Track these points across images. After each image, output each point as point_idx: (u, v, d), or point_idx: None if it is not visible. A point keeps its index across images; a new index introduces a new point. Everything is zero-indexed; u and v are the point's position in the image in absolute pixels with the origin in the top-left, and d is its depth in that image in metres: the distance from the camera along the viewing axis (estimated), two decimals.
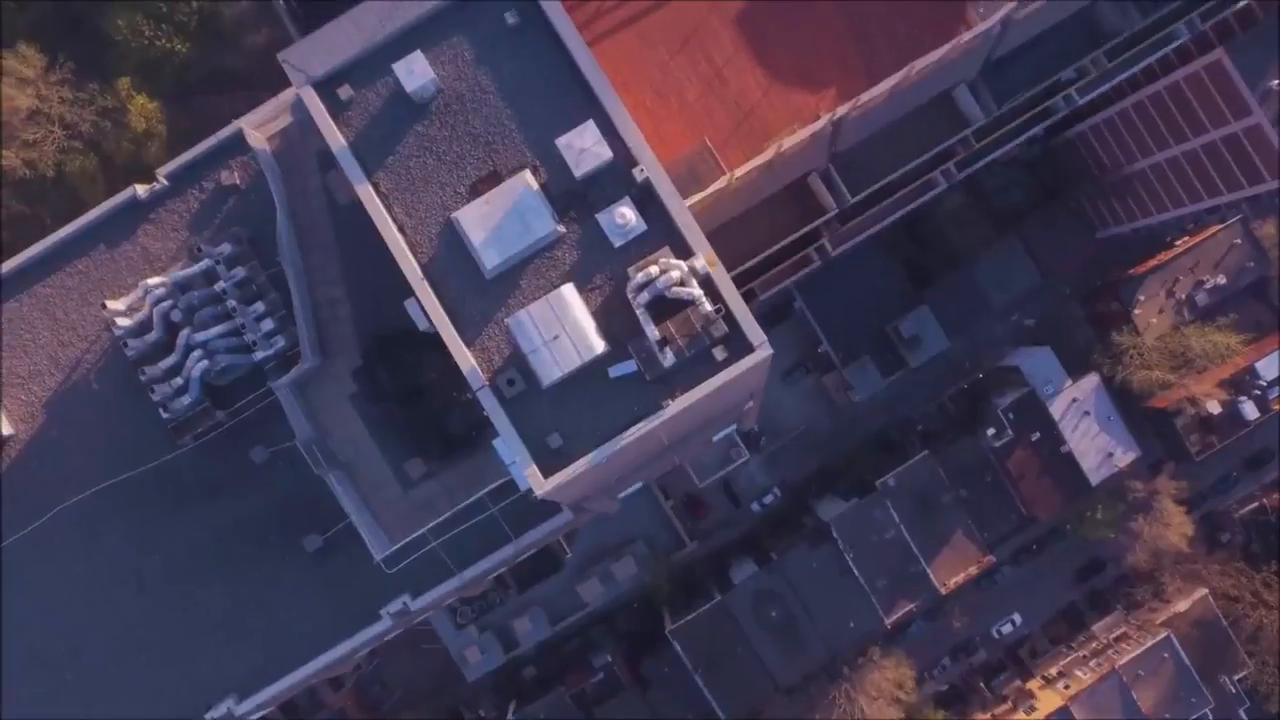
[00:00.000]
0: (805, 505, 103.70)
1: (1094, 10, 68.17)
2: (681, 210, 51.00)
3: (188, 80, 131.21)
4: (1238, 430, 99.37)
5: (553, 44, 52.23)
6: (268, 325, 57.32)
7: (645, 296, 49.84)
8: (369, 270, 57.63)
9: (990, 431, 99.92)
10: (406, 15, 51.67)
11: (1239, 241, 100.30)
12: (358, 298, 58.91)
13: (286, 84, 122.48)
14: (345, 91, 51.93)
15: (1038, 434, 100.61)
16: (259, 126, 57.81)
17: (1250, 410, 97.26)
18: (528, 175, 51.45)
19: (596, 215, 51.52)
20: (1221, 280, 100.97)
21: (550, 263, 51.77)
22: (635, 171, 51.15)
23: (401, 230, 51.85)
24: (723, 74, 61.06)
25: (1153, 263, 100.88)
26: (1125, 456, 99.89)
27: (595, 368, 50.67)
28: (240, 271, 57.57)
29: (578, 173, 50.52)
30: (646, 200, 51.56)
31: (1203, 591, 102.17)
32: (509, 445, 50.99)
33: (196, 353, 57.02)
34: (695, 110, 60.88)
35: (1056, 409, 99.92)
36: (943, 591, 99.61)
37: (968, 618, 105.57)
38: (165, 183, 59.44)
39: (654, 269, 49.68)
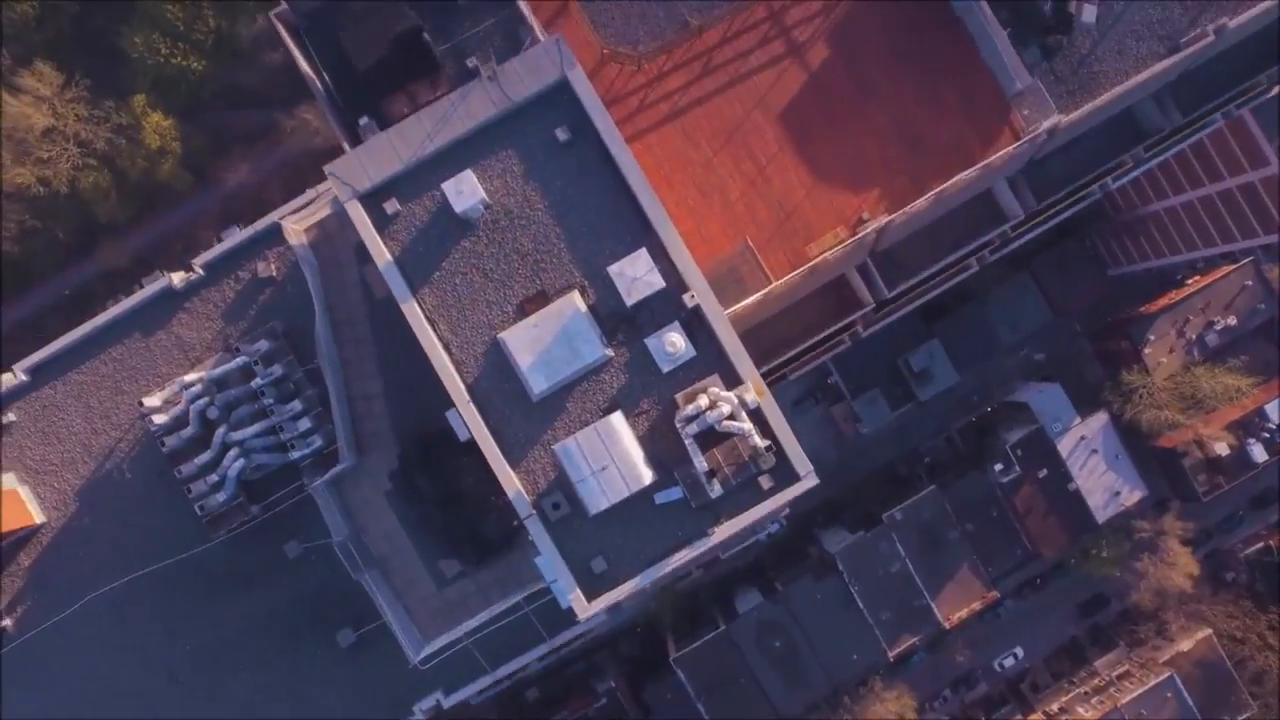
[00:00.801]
0: (811, 536, 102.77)
1: (1134, 107, 66.26)
2: (731, 338, 49.34)
3: (201, 96, 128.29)
4: (1246, 472, 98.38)
5: (604, 161, 50.26)
6: (304, 424, 55.52)
7: (694, 429, 48.25)
8: (405, 366, 56.04)
9: (998, 467, 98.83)
10: (455, 130, 49.44)
11: (1250, 283, 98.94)
12: (394, 393, 57.27)
13: (300, 102, 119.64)
14: (392, 205, 49.85)
15: (1045, 471, 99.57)
16: (298, 219, 55.26)
17: (1259, 453, 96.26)
18: (576, 297, 49.60)
19: (645, 339, 49.88)
20: (1232, 321, 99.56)
21: (597, 385, 50.09)
22: (686, 297, 49.26)
23: (447, 348, 50.01)
24: (766, 172, 59.00)
25: (1163, 301, 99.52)
26: (1132, 495, 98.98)
27: (641, 494, 48.96)
28: (277, 369, 55.68)
29: (629, 301, 48.76)
30: (696, 325, 49.83)
31: (1207, 632, 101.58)
32: (552, 566, 49.60)
33: (233, 452, 55.30)
34: (738, 209, 58.87)
35: (1064, 446, 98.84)
36: (946, 626, 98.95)
37: (970, 650, 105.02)
38: (201, 272, 57.30)
39: (703, 400, 48.07)
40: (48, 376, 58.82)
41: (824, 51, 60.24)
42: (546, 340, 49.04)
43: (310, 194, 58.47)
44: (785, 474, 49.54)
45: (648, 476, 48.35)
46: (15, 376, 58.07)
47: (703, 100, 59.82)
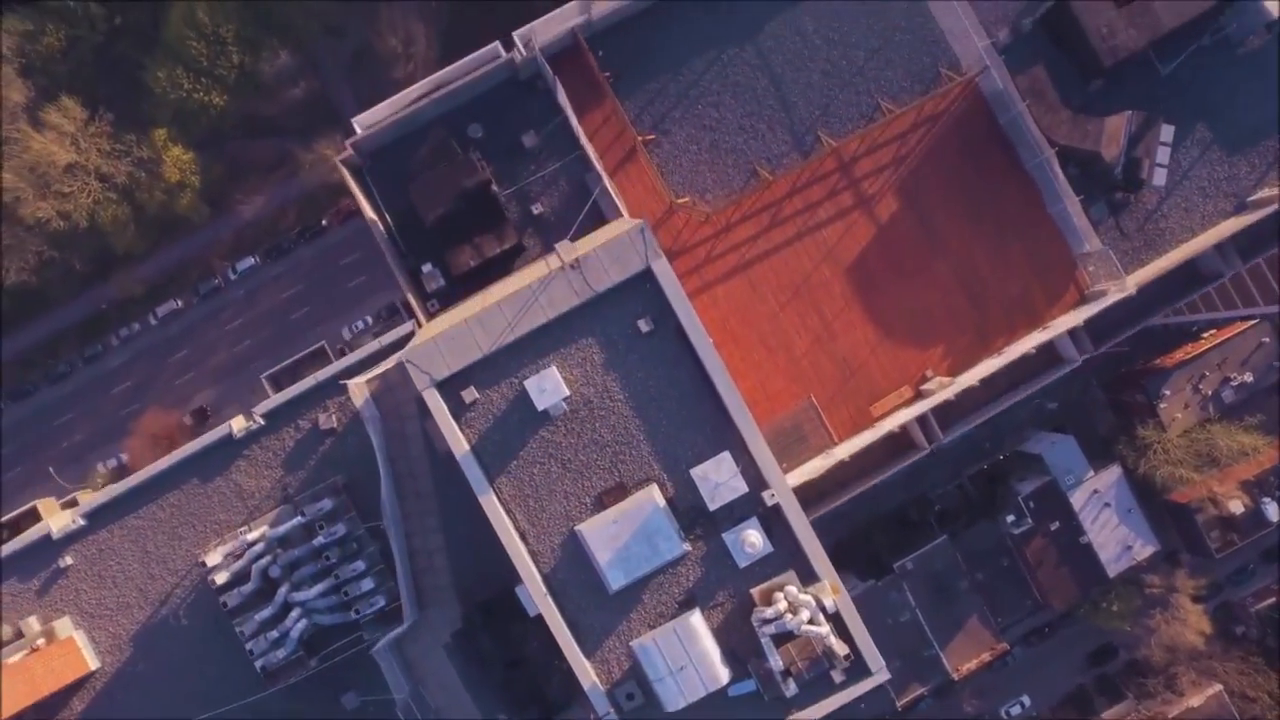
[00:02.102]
0: None
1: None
2: (810, 536, 48.18)
3: (222, 128, 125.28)
4: (1259, 530, 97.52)
5: (685, 352, 48.59)
6: (367, 584, 54.14)
7: (771, 629, 47.00)
8: (467, 521, 54.37)
9: (1010, 518, 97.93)
10: (536, 319, 47.52)
11: (1267, 340, 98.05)
12: (456, 549, 55.82)
13: (318, 136, 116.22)
14: (470, 394, 48.07)
15: (1057, 523, 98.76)
16: (362, 376, 53.41)
17: (1273, 512, 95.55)
18: (655, 491, 48.16)
19: (723, 534, 48.58)
20: (1248, 378, 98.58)
21: (674, 578, 48.91)
22: (766, 495, 47.87)
23: (523, 538, 48.52)
24: (832, 328, 57.47)
25: (1179, 355, 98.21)
26: (1144, 550, 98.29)
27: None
28: (340, 528, 54.11)
29: (712, 506, 47.50)
30: (773, 521, 48.41)
31: (1217, 688, 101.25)
32: None
33: (296, 612, 53.89)
34: (803, 365, 57.35)
35: (1077, 500, 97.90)
36: (955, 677, 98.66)
37: (978, 699, 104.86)
38: (261, 421, 55.31)
39: (782, 604, 47.00)
40: (105, 520, 57.01)
41: (893, 204, 58.44)
42: (625, 537, 47.64)
43: (374, 344, 56.26)
44: (858, 669, 48.42)
45: (724, 676, 47.30)
46: (73, 520, 56.11)
47: (770, 253, 58.00)
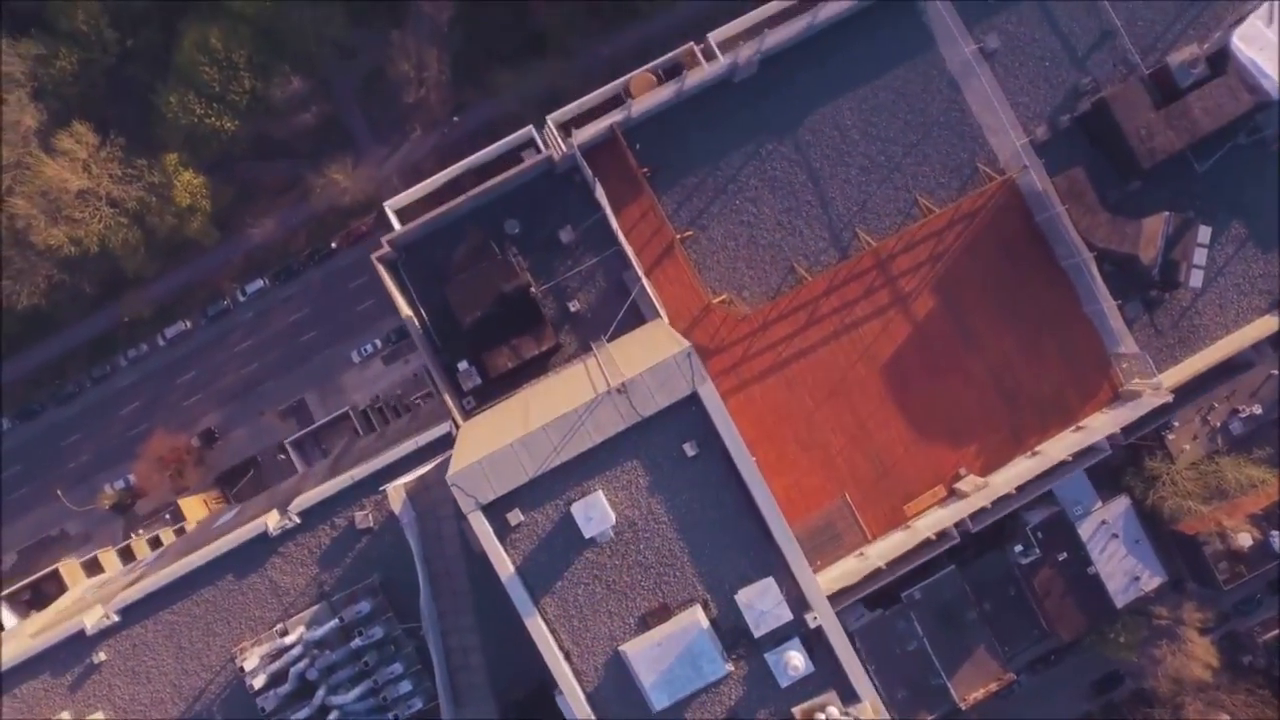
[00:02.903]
0: None
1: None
2: (851, 657, 47.90)
3: (233, 151, 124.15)
4: (1267, 563, 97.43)
5: (729, 475, 48.15)
6: (405, 686, 53.98)
7: None
8: (502, 620, 54.01)
9: (1018, 548, 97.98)
10: (582, 444, 47.04)
11: (1276, 372, 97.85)
12: (491, 647, 55.47)
13: (329, 161, 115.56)
14: (515, 516, 47.66)
15: (1065, 554, 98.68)
16: (400, 480, 52.98)
17: None
18: (699, 612, 47.93)
19: (765, 655, 48.40)
20: (1257, 410, 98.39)
21: (716, 697, 48.81)
22: (809, 617, 47.70)
23: (567, 657, 48.28)
24: (867, 426, 57.15)
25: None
26: (1151, 581, 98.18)
27: None
28: (377, 630, 53.80)
29: (757, 633, 47.34)
30: (815, 642, 48.24)
31: (1224, 719, 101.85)
32: None
33: (334, 715, 53.57)
34: (837, 463, 57.07)
35: (1085, 530, 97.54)
36: (963, 706, 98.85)
37: None
38: (297, 520, 54.79)
39: None
40: (139, 616, 56.52)
41: (929, 302, 58.03)
42: (669, 658, 47.44)
43: (410, 444, 55.74)
44: None
45: None
46: (107, 616, 55.64)
47: (807, 351, 57.56)
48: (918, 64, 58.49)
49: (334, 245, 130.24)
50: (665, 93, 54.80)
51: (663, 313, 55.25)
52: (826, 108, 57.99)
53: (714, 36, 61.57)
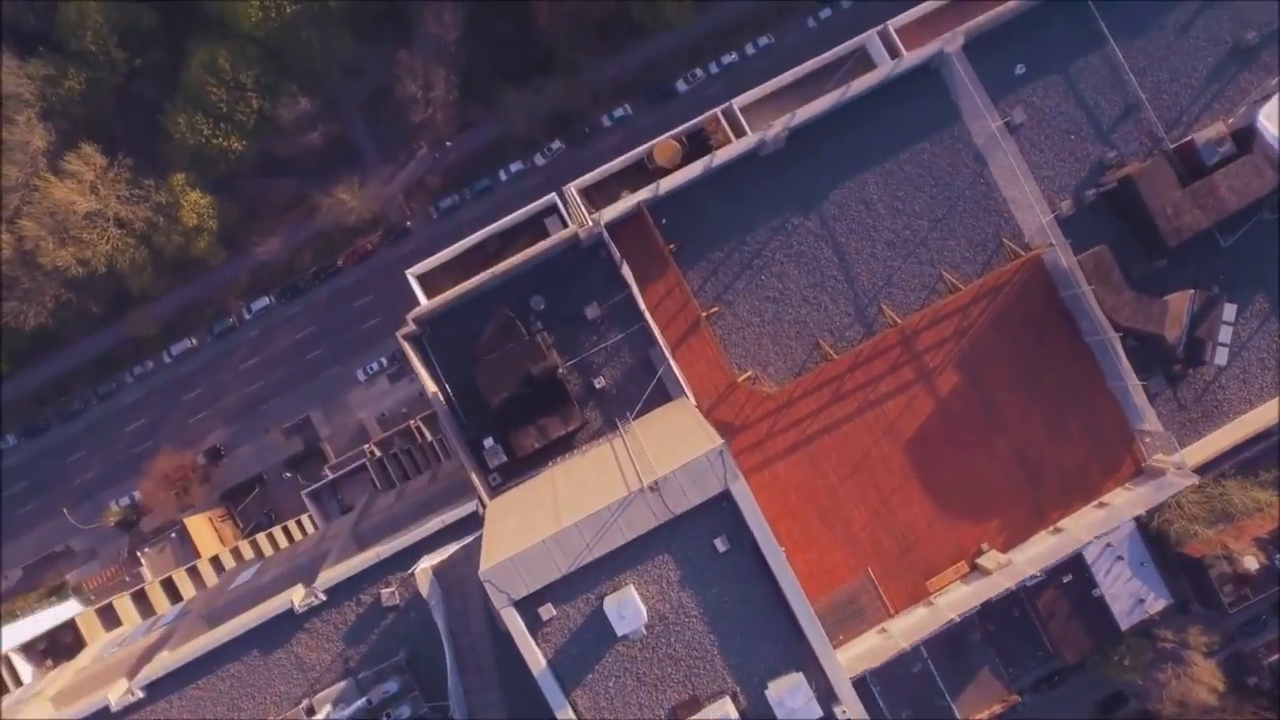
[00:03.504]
0: None
1: None
2: None
3: (239, 170, 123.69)
4: (1274, 586, 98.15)
5: (760, 569, 48.10)
6: None
7: None
8: (528, 696, 54.02)
9: None
10: (614, 541, 46.95)
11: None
12: None
13: (336, 180, 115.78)
14: (547, 611, 47.65)
15: (1069, 576, 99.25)
16: (429, 559, 52.88)
17: None
18: (728, 705, 48.14)
19: None
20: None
21: None
22: (838, 710, 47.83)
23: None
24: (890, 502, 57.11)
25: None
26: (1156, 603, 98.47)
27: None
28: (405, 710, 53.71)
29: None
30: None
31: None
32: None
33: None
34: (860, 539, 57.10)
35: (1090, 552, 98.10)
36: None
37: None
38: (323, 597, 54.65)
39: None
40: (164, 691, 56.35)
41: (953, 378, 57.92)
42: None
43: (437, 522, 55.59)
44: None
45: None
46: (132, 693, 55.49)
47: (832, 428, 57.44)
48: (944, 137, 58.09)
49: (340, 263, 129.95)
50: (694, 171, 54.16)
51: (688, 391, 54.92)
52: (852, 182, 57.64)
53: (738, 103, 61.09)
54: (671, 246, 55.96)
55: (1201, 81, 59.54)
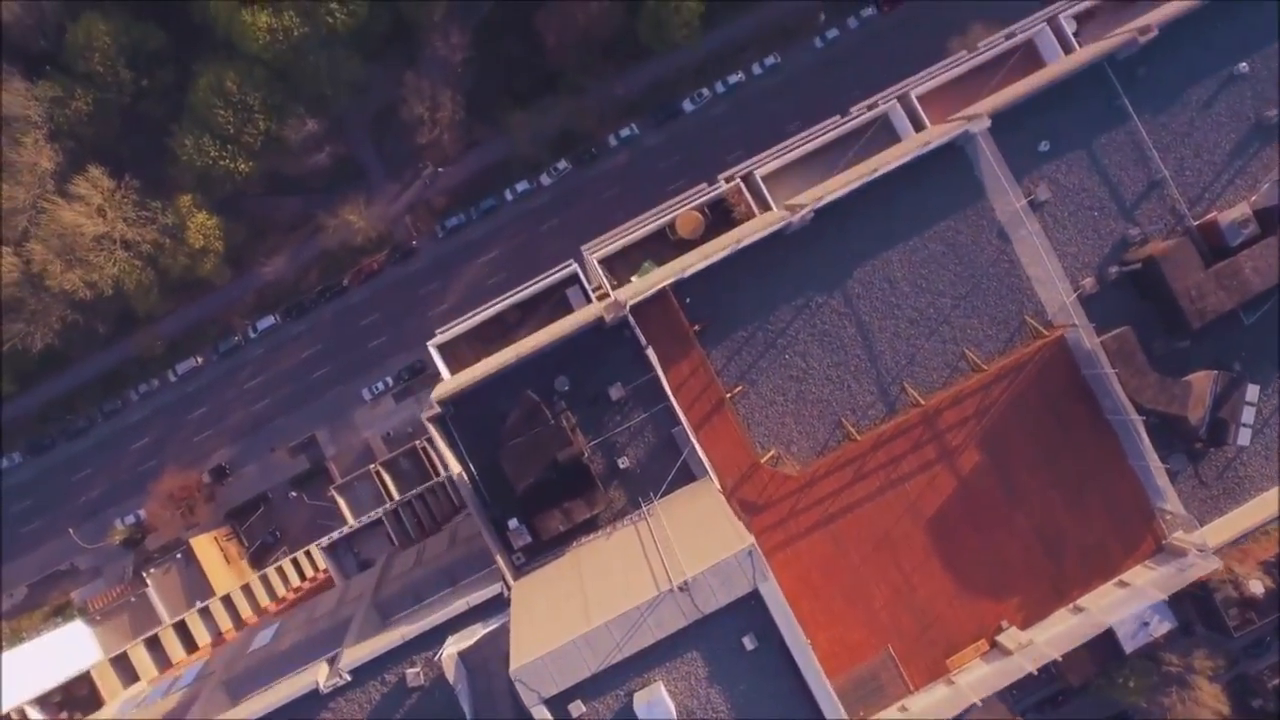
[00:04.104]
0: None
1: None
2: None
3: (246, 190, 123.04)
4: (1278, 610, 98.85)
5: (788, 668, 48.32)
6: None
7: None
8: None
9: None
10: (644, 640, 47.02)
11: None
12: None
13: (342, 200, 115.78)
14: (576, 708, 47.94)
15: None
16: (455, 642, 52.90)
17: None
18: None
19: None
20: None
21: None
22: None
23: None
24: (911, 580, 57.27)
25: None
26: (1161, 626, 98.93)
27: None
28: None
29: None
30: None
31: None
32: None
33: None
34: (881, 617, 57.24)
35: None
36: None
37: None
38: (348, 677, 54.63)
39: None
40: None
41: (974, 456, 57.95)
42: None
43: (462, 604, 55.56)
44: None
45: None
46: None
47: (853, 506, 57.49)
48: (968, 214, 57.94)
49: (346, 282, 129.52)
50: (719, 255, 53.91)
51: (712, 472, 54.83)
52: (876, 260, 57.45)
53: (760, 172, 60.84)
54: (696, 327, 55.82)
55: (1224, 158, 59.28)
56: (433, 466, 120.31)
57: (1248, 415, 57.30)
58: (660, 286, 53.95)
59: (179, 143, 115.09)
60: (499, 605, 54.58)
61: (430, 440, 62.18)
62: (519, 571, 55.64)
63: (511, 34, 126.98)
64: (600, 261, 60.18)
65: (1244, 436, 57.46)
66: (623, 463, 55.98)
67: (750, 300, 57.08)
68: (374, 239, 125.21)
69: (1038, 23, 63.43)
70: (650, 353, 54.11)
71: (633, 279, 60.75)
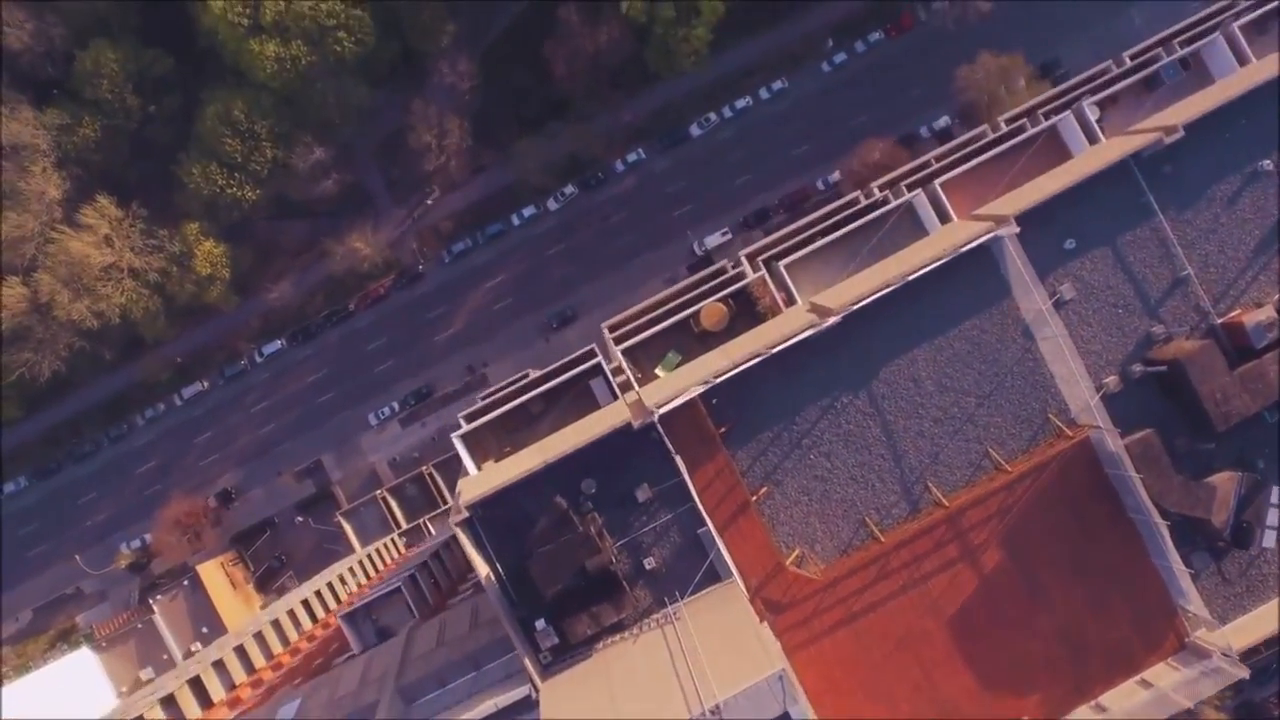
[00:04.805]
0: None
1: None
2: None
3: (253, 215, 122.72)
4: None
5: None
6: None
7: None
8: None
9: None
10: None
11: None
12: None
13: (350, 229, 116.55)
14: None
15: None
16: None
17: None
18: None
19: None
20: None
21: None
22: None
23: None
24: (933, 677, 57.67)
25: None
26: None
27: None
28: None
29: None
30: None
31: None
32: None
33: None
34: (904, 714, 57.62)
35: None
36: None
37: None
38: None
39: None
40: None
41: (996, 555, 58.23)
42: None
43: (490, 705, 55.79)
44: None
45: None
46: None
47: (877, 605, 57.77)
48: (993, 312, 57.89)
49: (352, 306, 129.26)
50: (749, 362, 53.90)
51: (736, 574, 55.08)
52: (902, 359, 57.44)
53: (784, 264, 60.75)
54: (722, 429, 55.63)
55: (1249, 254, 59.24)
56: (439, 493, 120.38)
57: (1272, 518, 57.57)
58: (690, 397, 53.68)
59: (186, 171, 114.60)
60: (527, 706, 54.59)
61: (456, 541, 62.12)
62: (546, 671, 55.68)
63: (519, 60, 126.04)
64: (624, 354, 60.00)
65: (1269, 539, 57.79)
66: (649, 563, 56.11)
67: (776, 401, 57.06)
68: (380, 264, 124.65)
69: (1061, 109, 62.97)
70: (679, 461, 53.97)
71: (657, 370, 60.63)
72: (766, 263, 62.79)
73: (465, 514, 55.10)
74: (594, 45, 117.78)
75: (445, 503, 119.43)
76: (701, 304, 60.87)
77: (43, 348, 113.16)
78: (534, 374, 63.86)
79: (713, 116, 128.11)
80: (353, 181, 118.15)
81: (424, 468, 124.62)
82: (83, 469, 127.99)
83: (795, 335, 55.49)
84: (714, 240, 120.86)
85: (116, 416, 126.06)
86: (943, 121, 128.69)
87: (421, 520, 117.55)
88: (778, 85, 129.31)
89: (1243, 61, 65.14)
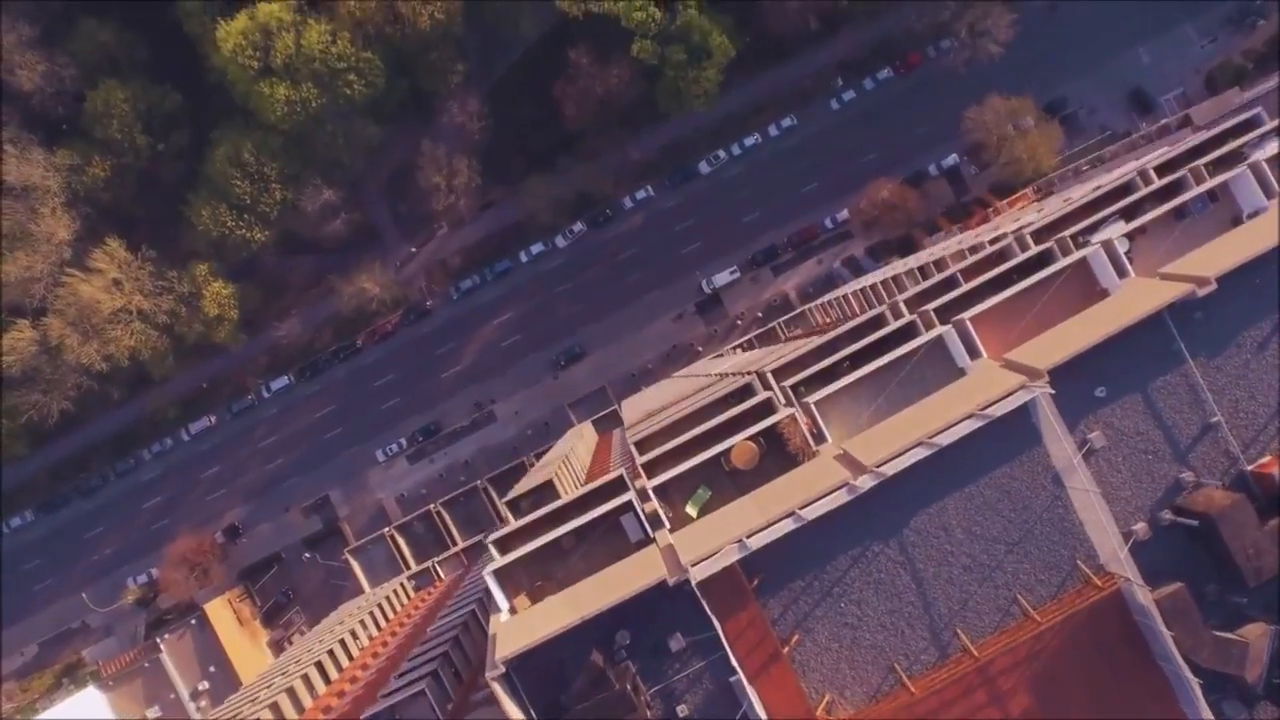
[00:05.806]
0: None
1: None
2: None
3: (261, 255, 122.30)
4: None
5: None
6: None
7: None
8: None
9: None
10: None
11: None
12: None
13: (358, 268, 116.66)
14: None
15: None
16: None
17: None
18: None
19: None
20: None
21: None
22: None
23: None
24: None
25: None
26: None
27: None
28: None
29: None
30: None
31: None
32: None
33: None
34: None
35: None
36: None
37: None
38: None
39: None
40: None
41: (1024, 701, 58.63)
42: None
43: None
44: None
45: None
46: None
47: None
48: (1023, 460, 57.95)
49: (359, 342, 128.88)
50: (785, 526, 54.04)
51: None
52: (933, 508, 57.52)
53: (813, 399, 60.76)
54: (754, 582, 55.74)
55: (1279, 400, 59.18)
56: (449, 533, 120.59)
57: None
58: (728, 563, 53.83)
59: (195, 212, 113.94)
60: None
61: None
62: None
63: (527, 95, 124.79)
64: (655, 490, 60.02)
65: None
66: (681, 710, 56.49)
67: (808, 550, 57.17)
68: (388, 300, 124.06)
69: (1091, 241, 62.75)
70: (713, 617, 54.21)
71: (688, 509, 60.69)
72: (794, 389, 62.53)
73: (501, 669, 55.08)
74: (604, 86, 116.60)
75: (454, 544, 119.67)
76: (732, 441, 60.65)
77: (51, 389, 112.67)
78: (565, 499, 63.71)
79: (721, 154, 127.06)
80: (361, 219, 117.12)
81: (432, 505, 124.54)
82: (89, 503, 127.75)
83: (828, 494, 55.40)
84: (722, 279, 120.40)
85: (123, 451, 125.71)
86: (951, 159, 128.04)
87: (431, 563, 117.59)
88: (786, 122, 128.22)
89: (1269, 194, 65.01)
